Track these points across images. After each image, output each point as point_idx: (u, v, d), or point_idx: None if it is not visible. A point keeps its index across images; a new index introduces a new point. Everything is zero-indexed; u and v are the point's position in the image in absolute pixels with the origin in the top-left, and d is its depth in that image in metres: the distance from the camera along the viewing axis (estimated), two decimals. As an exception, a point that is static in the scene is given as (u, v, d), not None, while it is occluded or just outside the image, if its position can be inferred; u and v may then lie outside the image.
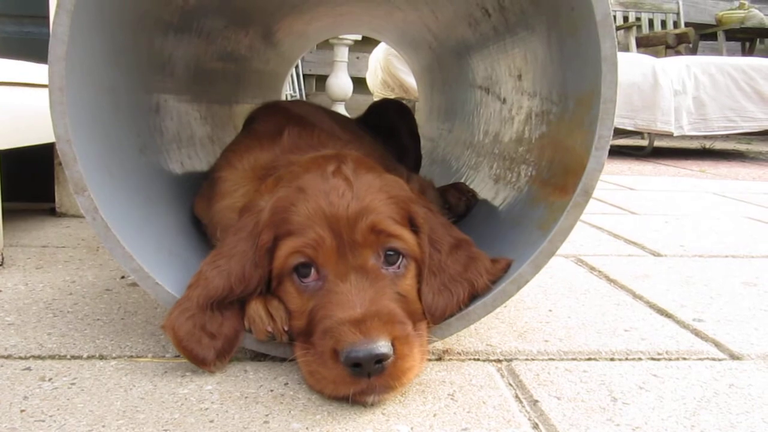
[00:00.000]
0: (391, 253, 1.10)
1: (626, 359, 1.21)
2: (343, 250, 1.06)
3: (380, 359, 0.95)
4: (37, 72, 1.90)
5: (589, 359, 1.21)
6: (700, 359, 1.23)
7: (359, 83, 7.12)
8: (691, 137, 5.58)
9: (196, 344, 1.08)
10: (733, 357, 1.24)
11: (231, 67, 2.34)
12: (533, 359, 1.20)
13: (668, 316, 1.46)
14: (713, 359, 1.23)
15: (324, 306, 1.03)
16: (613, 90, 1.08)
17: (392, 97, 6.44)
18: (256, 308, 1.11)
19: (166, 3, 1.52)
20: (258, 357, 1.16)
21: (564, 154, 1.24)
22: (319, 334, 1.01)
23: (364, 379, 0.96)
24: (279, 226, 1.10)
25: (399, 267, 1.11)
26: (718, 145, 7.05)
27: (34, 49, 2.26)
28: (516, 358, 1.20)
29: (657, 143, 5.96)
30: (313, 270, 1.08)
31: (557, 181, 1.24)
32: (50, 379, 1.05)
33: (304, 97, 7.05)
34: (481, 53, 1.99)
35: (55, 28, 1.05)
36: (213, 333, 1.09)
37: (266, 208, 1.14)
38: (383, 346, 0.95)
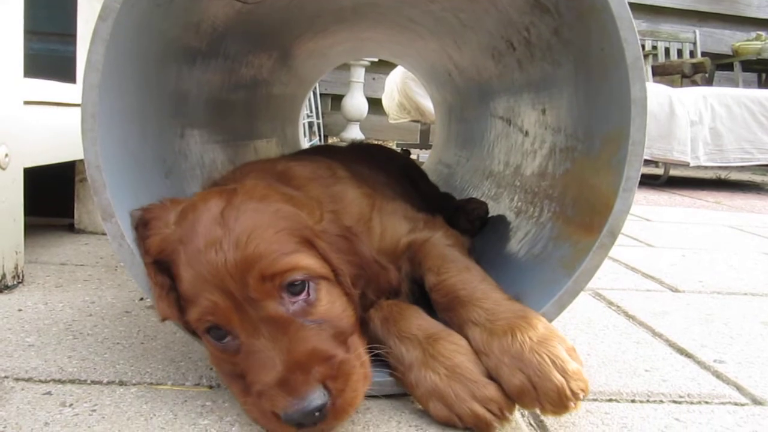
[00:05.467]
0: (294, 284, 1.02)
1: (648, 401, 1.20)
2: (243, 307, 0.98)
3: (318, 409, 0.92)
4: (63, 91, 1.92)
5: (611, 400, 1.19)
6: (722, 403, 1.21)
7: (374, 104, 7.16)
8: (707, 167, 5.55)
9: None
10: (756, 402, 1.23)
11: (251, 91, 2.36)
12: (554, 399, 1.18)
13: (688, 356, 1.44)
14: (735, 404, 1.21)
15: (249, 370, 0.98)
16: (642, 132, 1.08)
17: (408, 119, 6.45)
18: None
19: (196, 31, 1.54)
20: (278, 388, 1.15)
21: (589, 193, 1.24)
22: (256, 396, 0.97)
23: (312, 426, 0.94)
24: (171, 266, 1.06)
25: (308, 293, 1.03)
26: (734, 176, 7.02)
27: (61, 67, 2.29)
28: (536, 397, 1.18)
29: (672, 172, 5.94)
30: (224, 332, 1.01)
31: (582, 219, 1.24)
32: (71, 405, 1.05)
33: (320, 116, 7.08)
34: (504, 85, 2.00)
35: (90, 57, 1.07)
36: None
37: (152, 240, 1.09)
38: (316, 398, 0.92)
